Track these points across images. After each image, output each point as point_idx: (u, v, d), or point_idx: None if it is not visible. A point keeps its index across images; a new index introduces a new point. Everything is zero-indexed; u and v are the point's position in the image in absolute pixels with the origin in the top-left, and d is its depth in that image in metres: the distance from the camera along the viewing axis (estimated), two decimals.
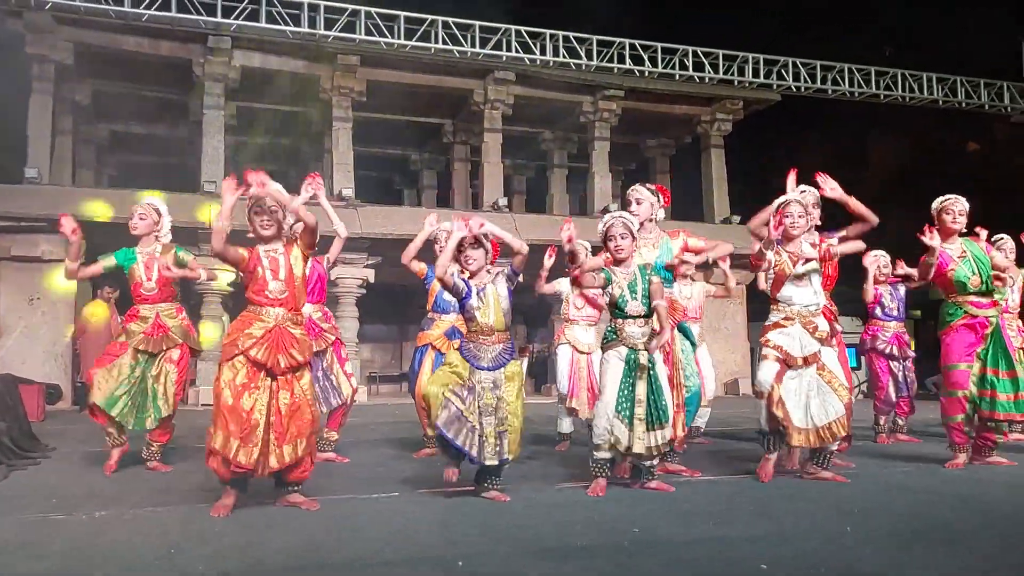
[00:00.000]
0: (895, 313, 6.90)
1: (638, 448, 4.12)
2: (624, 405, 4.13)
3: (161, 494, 4.18)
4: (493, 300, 4.10)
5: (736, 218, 16.04)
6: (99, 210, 12.05)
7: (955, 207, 5.14)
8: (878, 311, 6.90)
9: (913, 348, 7.20)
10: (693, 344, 4.92)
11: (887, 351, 6.87)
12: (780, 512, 3.72)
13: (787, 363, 4.53)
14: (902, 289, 6.94)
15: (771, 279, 4.69)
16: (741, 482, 4.55)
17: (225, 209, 3.69)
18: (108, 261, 5.21)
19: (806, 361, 4.50)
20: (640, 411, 4.13)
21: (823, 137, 20.03)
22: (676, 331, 4.74)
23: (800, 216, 4.60)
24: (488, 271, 4.20)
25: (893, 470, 5.11)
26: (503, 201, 15.03)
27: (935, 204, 5.26)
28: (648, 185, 5.13)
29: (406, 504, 3.93)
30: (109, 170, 17.65)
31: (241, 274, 3.88)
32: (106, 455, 5.07)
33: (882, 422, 6.86)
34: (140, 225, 5.18)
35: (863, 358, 7.28)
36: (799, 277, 4.56)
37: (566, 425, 6.36)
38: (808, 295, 4.57)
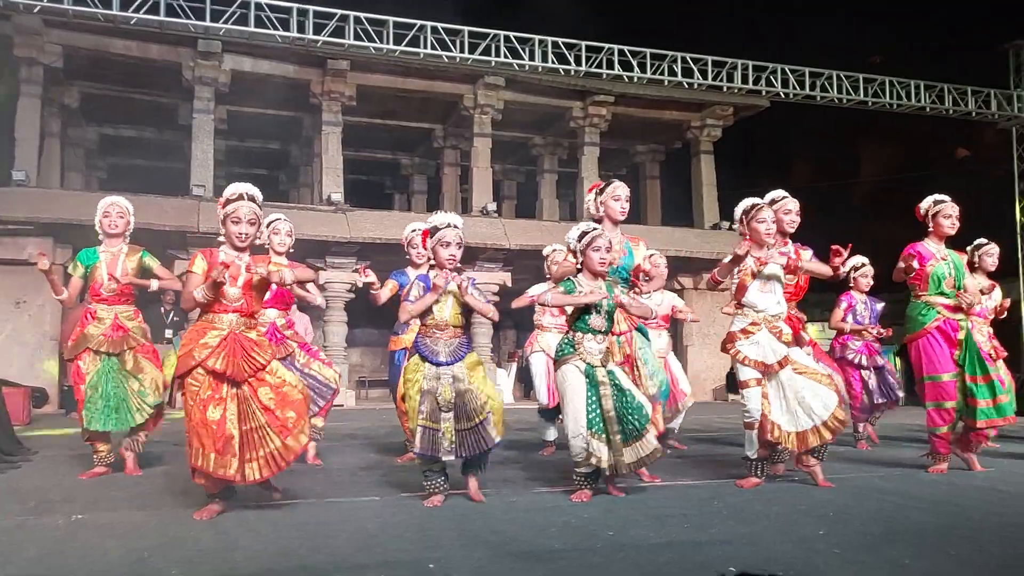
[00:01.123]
0: (866, 323, 6.84)
1: (629, 459, 4.10)
2: (595, 422, 4.07)
3: (139, 498, 4.18)
4: (453, 298, 4.08)
5: (725, 224, 16.11)
6: None
7: (953, 212, 5.18)
8: (849, 319, 6.84)
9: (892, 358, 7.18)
10: (648, 340, 4.90)
11: (856, 361, 6.85)
12: (755, 516, 3.74)
13: (764, 374, 4.52)
14: (880, 305, 6.95)
15: (735, 282, 4.64)
16: (719, 487, 4.57)
17: (207, 292, 3.68)
18: (78, 270, 5.14)
19: (780, 365, 4.52)
20: (615, 427, 4.08)
21: (813, 143, 20.18)
22: (635, 332, 4.76)
23: (773, 222, 4.62)
24: (457, 270, 4.16)
25: (870, 474, 5.15)
26: (492, 206, 15.06)
27: (927, 205, 5.27)
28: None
29: (384, 508, 3.94)
30: (98, 173, 17.63)
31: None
32: (88, 459, 5.06)
33: (860, 429, 6.86)
34: (119, 224, 5.16)
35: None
36: (765, 280, 4.55)
37: (551, 433, 6.37)
38: (772, 302, 4.56)
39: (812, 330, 6.80)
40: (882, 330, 6.79)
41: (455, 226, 4.12)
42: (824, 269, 4.66)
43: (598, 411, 4.09)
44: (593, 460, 4.05)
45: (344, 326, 13.92)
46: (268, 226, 5.39)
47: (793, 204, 4.95)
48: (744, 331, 4.57)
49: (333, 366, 5.69)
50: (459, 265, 4.18)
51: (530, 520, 3.62)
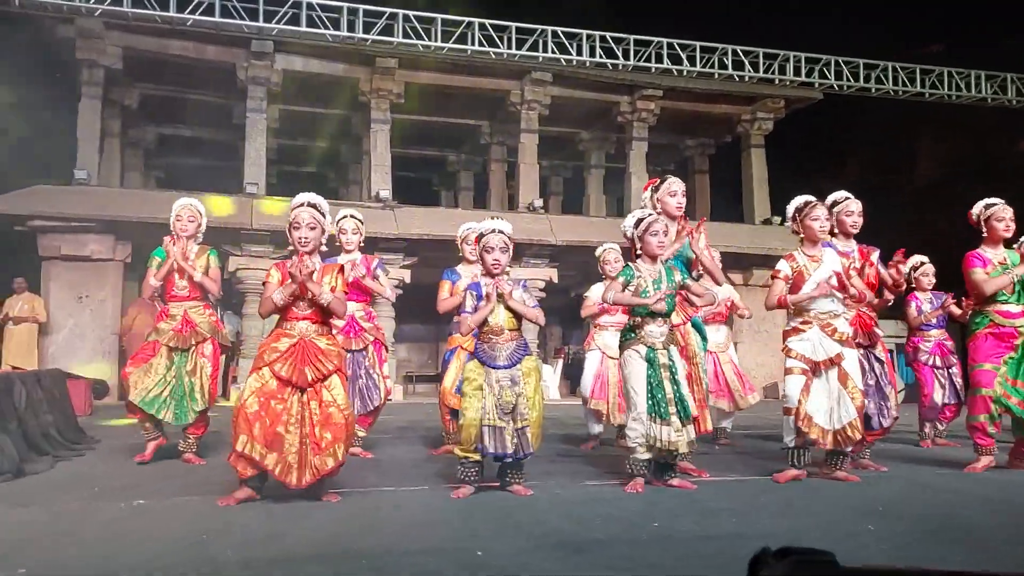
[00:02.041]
0: (933, 322, 6.80)
1: (683, 448, 4.16)
2: (657, 407, 4.14)
3: (195, 486, 4.31)
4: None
5: (777, 219, 15.88)
6: (218, 205, 12.35)
7: (1006, 214, 5.06)
8: (919, 322, 6.82)
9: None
10: (704, 340, 4.89)
11: (929, 362, 6.81)
12: (802, 511, 3.72)
13: (812, 371, 4.50)
14: (944, 298, 6.83)
15: (790, 284, 4.61)
16: (766, 482, 4.53)
17: (285, 294, 3.84)
18: (155, 262, 5.37)
19: (831, 362, 4.47)
20: (673, 408, 4.16)
21: (867, 137, 19.70)
22: (689, 326, 4.75)
23: (826, 219, 4.58)
24: (507, 274, 4.22)
25: (922, 472, 5.05)
26: (539, 202, 15.09)
27: (979, 209, 5.16)
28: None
29: (430, 498, 4.01)
30: (156, 172, 18.12)
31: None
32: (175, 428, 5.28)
33: (927, 429, 6.82)
34: (190, 228, 5.35)
35: (910, 367, 7.18)
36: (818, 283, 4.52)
37: (596, 428, 6.40)
38: (826, 301, 4.53)
39: (887, 326, 6.77)
40: (951, 301, 6.68)
41: (499, 231, 4.19)
42: (866, 292, 4.63)
43: (661, 395, 4.15)
44: (655, 443, 4.13)
45: (392, 321, 14.09)
46: (335, 224, 5.57)
47: (856, 205, 4.95)
48: (795, 329, 4.58)
49: (388, 381, 5.83)
50: (506, 269, 4.22)
51: (573, 512, 3.65)
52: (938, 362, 6.80)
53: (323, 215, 4.05)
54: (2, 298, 11.86)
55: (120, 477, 4.63)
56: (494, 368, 4.07)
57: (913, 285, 6.84)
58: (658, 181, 4.97)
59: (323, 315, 3.95)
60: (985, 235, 5.12)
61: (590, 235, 14.50)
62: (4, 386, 5.02)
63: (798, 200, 4.68)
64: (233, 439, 3.77)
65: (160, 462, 5.20)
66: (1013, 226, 5.08)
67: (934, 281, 6.85)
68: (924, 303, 6.82)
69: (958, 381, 6.81)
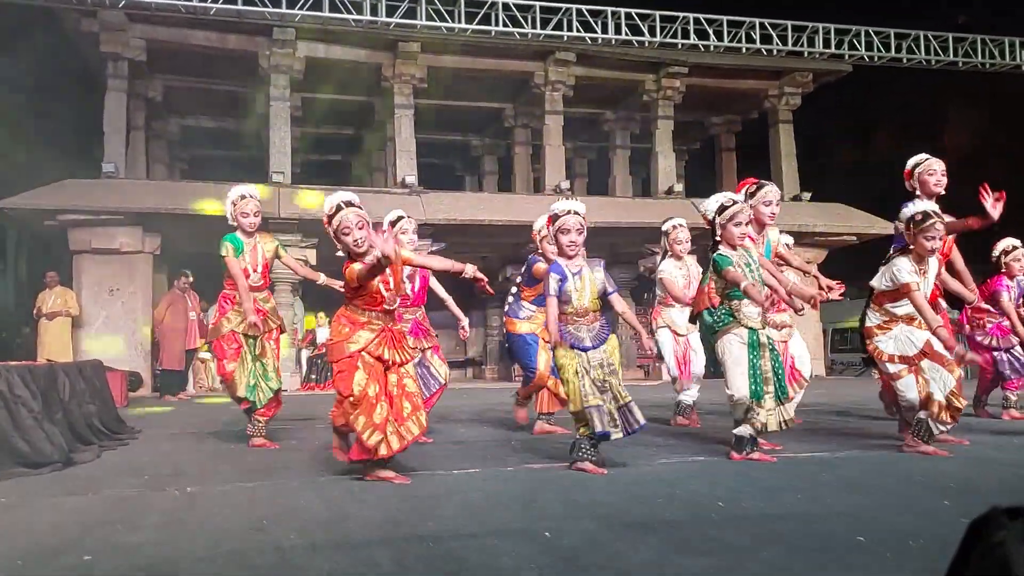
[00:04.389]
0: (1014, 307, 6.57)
1: (772, 426, 4.18)
2: (762, 390, 4.15)
3: (247, 472, 4.28)
4: (589, 283, 4.12)
5: (806, 195, 15.64)
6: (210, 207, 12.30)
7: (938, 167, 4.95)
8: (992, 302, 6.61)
9: None
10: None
11: (987, 343, 6.71)
12: (870, 488, 3.61)
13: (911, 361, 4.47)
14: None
15: (889, 286, 4.50)
16: (823, 460, 4.43)
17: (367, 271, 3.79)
18: (232, 252, 5.31)
19: (924, 354, 4.43)
20: (769, 388, 4.16)
21: (897, 109, 19.36)
22: None
23: (943, 175, 4.62)
24: (583, 255, 4.18)
25: (984, 445, 4.92)
26: (565, 184, 14.95)
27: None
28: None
29: (487, 480, 3.94)
30: (181, 164, 18.18)
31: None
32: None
33: (984, 399, 6.80)
34: (256, 222, 5.33)
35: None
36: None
37: (687, 398, 6.41)
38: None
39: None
40: None
41: (576, 212, 4.15)
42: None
43: (759, 374, 4.16)
44: (758, 425, 4.17)
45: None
46: (393, 225, 5.53)
47: (938, 165, 4.91)
48: (879, 327, 4.55)
49: (446, 363, 5.88)
50: (583, 250, 4.21)
51: (635, 492, 3.56)
52: (998, 343, 6.71)
53: (362, 208, 3.97)
54: (35, 293, 11.94)
55: (168, 465, 4.60)
56: (583, 350, 4.05)
57: (1003, 270, 6.57)
58: (755, 186, 4.90)
59: (395, 307, 4.01)
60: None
61: (617, 216, 14.37)
62: (49, 377, 5.01)
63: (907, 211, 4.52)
64: (362, 429, 3.73)
65: (206, 449, 5.18)
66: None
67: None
68: (1012, 289, 6.50)
69: (1021, 359, 6.66)
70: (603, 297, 4.16)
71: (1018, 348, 6.63)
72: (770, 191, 4.86)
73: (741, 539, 2.73)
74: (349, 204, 3.90)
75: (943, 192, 4.85)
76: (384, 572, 2.39)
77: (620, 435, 4.02)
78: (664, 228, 6.39)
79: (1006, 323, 6.58)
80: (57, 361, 9.01)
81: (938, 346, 4.43)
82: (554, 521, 2.99)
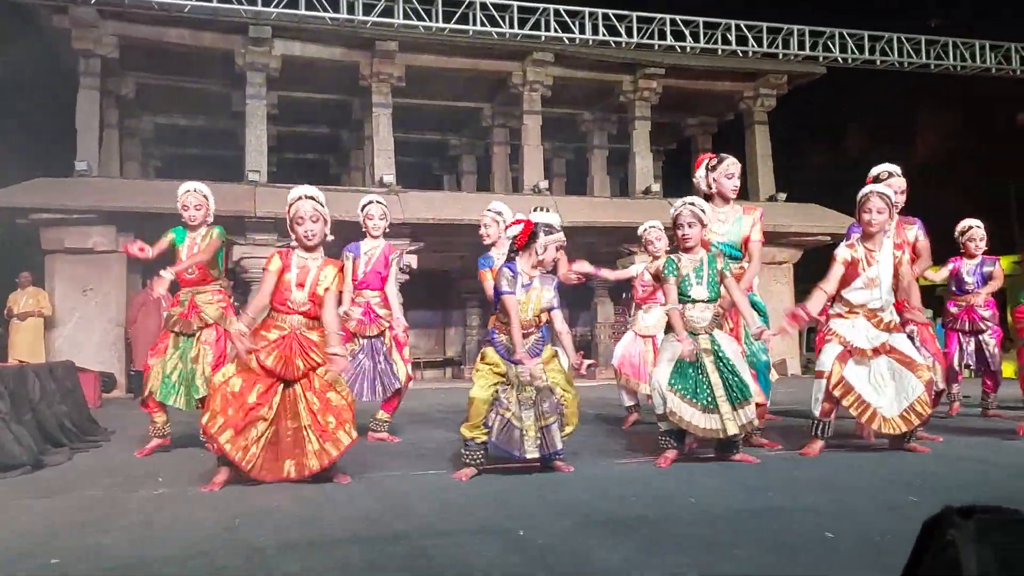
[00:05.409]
0: (968, 288, 6.73)
1: (732, 429, 4.13)
2: (699, 393, 4.13)
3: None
4: (536, 298, 4.03)
5: (782, 196, 15.79)
6: None
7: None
8: (953, 286, 6.80)
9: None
10: (764, 317, 4.77)
11: (956, 326, 6.79)
12: (842, 486, 3.65)
13: (851, 352, 4.44)
14: (989, 269, 6.71)
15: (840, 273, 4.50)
16: (797, 457, 4.47)
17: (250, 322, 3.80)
18: (169, 237, 5.30)
19: (876, 352, 4.41)
20: (720, 392, 4.13)
21: (870, 111, 19.58)
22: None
23: (880, 211, 4.41)
24: (543, 269, 4.12)
25: (955, 443, 4.98)
26: (544, 184, 14.96)
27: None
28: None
29: (458, 481, 3.93)
30: (155, 162, 17.97)
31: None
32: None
33: (954, 391, 6.79)
34: (198, 216, 5.26)
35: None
36: (870, 279, 4.44)
37: (628, 401, 6.39)
38: (872, 296, 4.44)
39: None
40: (980, 302, 6.62)
41: (558, 230, 4.14)
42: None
43: (704, 381, 4.14)
44: (673, 418, 4.12)
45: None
46: (362, 210, 5.49)
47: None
48: (839, 315, 4.53)
49: (409, 366, 5.74)
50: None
51: (610, 490, 3.58)
52: (965, 327, 6.76)
53: (323, 205, 3.95)
54: (6, 293, 11.76)
55: (139, 467, 4.56)
56: (512, 362, 3.97)
57: (961, 250, 6.78)
58: (715, 160, 4.88)
59: (316, 311, 3.85)
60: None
61: (595, 216, 14.41)
62: (18, 378, 4.94)
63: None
64: (208, 416, 3.68)
65: (178, 451, 5.13)
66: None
67: (983, 247, 6.73)
68: (963, 269, 6.73)
69: (990, 350, 6.71)
70: (549, 311, 4.07)
71: (989, 335, 6.72)
72: (731, 163, 4.84)
73: (714, 537, 2.75)
74: (310, 197, 3.91)
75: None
76: (357, 571, 2.39)
77: (535, 455, 3.92)
78: (639, 231, 6.43)
79: (984, 309, 6.70)
80: (29, 362, 8.90)
81: (901, 346, 4.43)
82: (528, 520, 3.00)
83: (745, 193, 16.32)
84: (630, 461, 4.46)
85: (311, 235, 3.87)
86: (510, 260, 4.10)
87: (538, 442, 3.92)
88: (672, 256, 4.37)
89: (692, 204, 4.36)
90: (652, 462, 4.24)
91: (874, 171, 4.92)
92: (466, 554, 2.52)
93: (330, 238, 4.04)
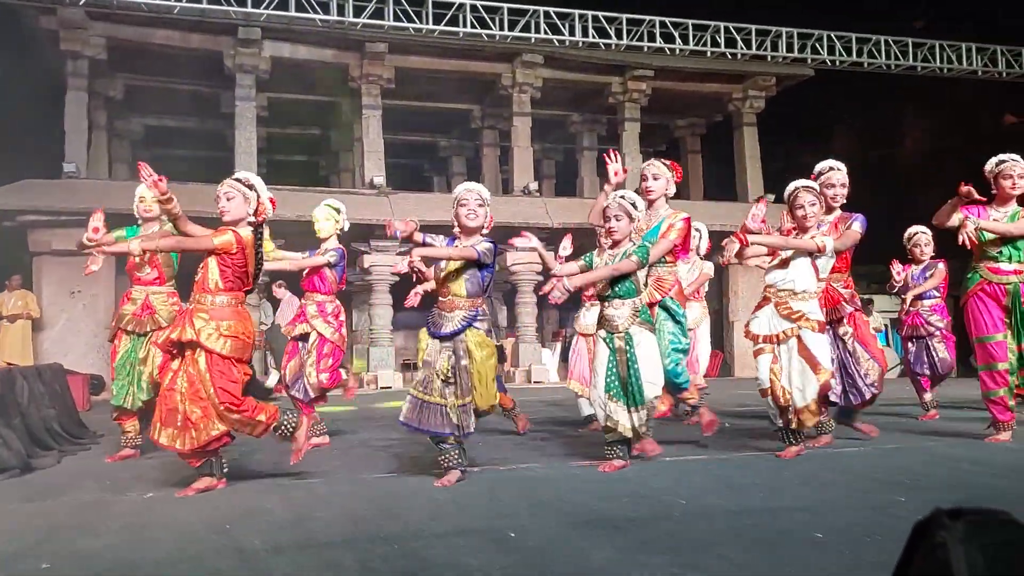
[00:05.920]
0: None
1: (624, 431, 4.12)
2: (613, 386, 4.13)
3: None
4: (455, 270, 4.00)
5: (770, 196, 15.81)
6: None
7: (1015, 170, 4.80)
8: (903, 293, 6.88)
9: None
10: (678, 322, 4.78)
11: (905, 332, 6.91)
12: (829, 484, 3.68)
13: (766, 342, 4.49)
14: (932, 270, 6.77)
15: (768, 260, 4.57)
16: (784, 458, 4.49)
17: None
18: (120, 232, 5.23)
19: (777, 339, 4.42)
20: (623, 390, 4.13)
21: (858, 112, 19.68)
22: (658, 308, 4.70)
23: (812, 204, 4.48)
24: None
25: (935, 443, 5.02)
26: (534, 185, 14.98)
27: (991, 166, 4.92)
28: (664, 160, 5.08)
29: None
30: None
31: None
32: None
33: (926, 399, 6.77)
34: (147, 211, 5.23)
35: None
36: (784, 259, 4.47)
37: (585, 407, 6.26)
38: (785, 277, 4.45)
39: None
40: (911, 297, 6.72)
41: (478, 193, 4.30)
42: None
43: (615, 377, 4.13)
44: (617, 427, 4.10)
45: (389, 309, 13.97)
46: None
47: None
48: (757, 306, 4.61)
49: (322, 375, 5.40)
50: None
51: (598, 490, 3.60)
52: (914, 333, 6.84)
53: (240, 183, 3.94)
54: None
55: (129, 470, 4.55)
56: (434, 337, 3.94)
57: (909, 257, 6.85)
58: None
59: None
60: (994, 194, 4.94)
61: (585, 216, 14.42)
62: (6, 381, 4.92)
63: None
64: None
65: (168, 453, 5.09)
66: (1022, 184, 4.83)
67: (927, 252, 6.77)
68: (913, 274, 6.83)
69: (937, 355, 6.75)
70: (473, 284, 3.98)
71: (937, 341, 6.76)
72: (645, 166, 5.01)
73: (702, 535, 2.78)
74: (235, 178, 3.99)
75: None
76: (348, 573, 2.40)
77: (446, 431, 3.81)
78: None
79: (931, 315, 6.76)
80: (17, 364, 8.84)
81: (811, 344, 4.38)
82: (518, 520, 3.01)
83: (733, 194, 16.42)
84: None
85: (225, 211, 3.90)
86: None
87: (459, 422, 3.81)
88: (592, 252, 4.33)
89: (623, 198, 4.30)
90: (596, 466, 4.17)
91: (818, 168, 5.00)
92: (458, 556, 2.53)
93: (252, 219, 3.96)
